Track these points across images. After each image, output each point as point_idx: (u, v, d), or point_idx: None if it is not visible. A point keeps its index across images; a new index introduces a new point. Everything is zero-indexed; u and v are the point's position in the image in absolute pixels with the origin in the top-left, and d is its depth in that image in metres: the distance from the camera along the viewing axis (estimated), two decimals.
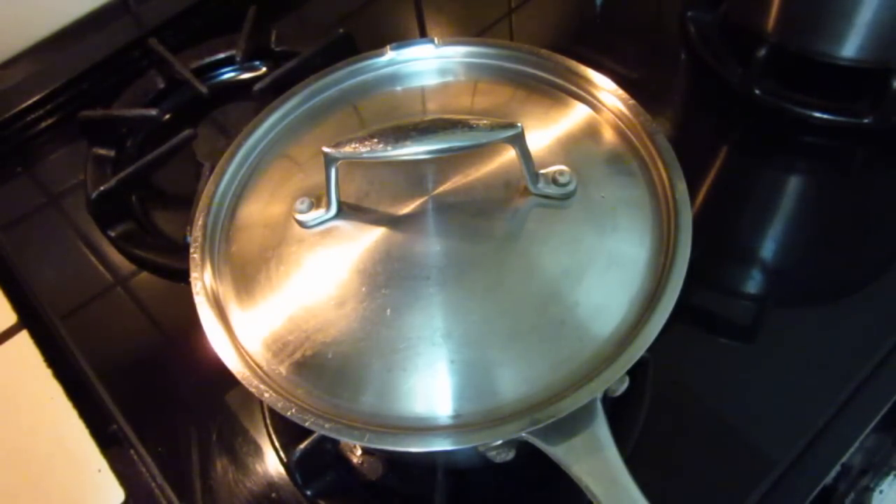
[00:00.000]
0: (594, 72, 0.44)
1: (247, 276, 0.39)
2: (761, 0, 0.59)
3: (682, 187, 0.38)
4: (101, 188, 0.59)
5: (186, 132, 0.62)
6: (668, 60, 0.67)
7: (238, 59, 0.69)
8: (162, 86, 0.69)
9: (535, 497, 0.46)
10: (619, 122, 0.42)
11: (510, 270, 0.37)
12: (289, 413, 0.34)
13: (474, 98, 0.45)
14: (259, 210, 0.42)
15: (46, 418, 0.52)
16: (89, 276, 0.59)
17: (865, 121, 0.57)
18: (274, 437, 0.49)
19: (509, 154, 0.38)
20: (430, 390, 0.35)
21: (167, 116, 0.68)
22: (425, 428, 0.34)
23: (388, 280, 0.37)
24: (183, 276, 0.40)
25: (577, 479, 0.33)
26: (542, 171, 0.38)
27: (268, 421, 0.49)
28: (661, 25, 0.70)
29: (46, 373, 0.53)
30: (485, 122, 0.36)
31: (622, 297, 0.36)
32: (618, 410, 0.45)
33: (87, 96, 0.70)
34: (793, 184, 0.58)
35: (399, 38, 0.47)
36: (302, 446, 0.45)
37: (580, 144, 0.42)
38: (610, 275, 0.37)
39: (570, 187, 0.38)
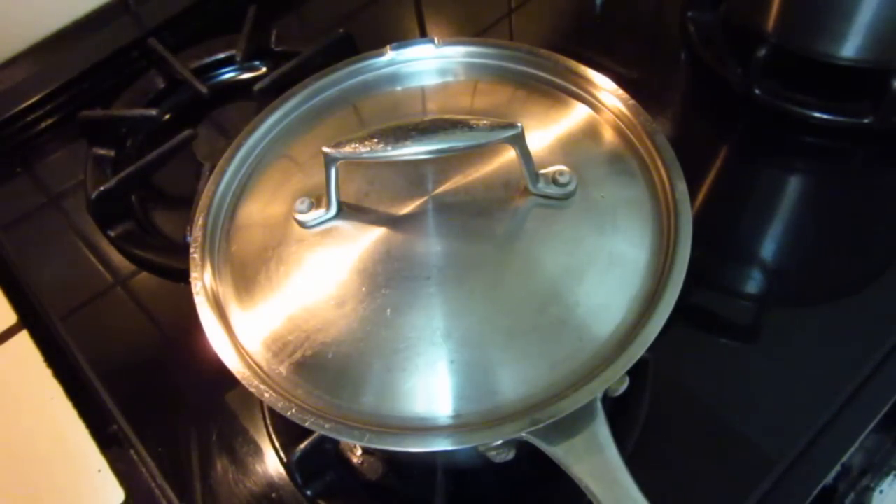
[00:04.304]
0: (594, 72, 0.44)
1: (247, 276, 0.39)
2: (761, 0, 0.59)
3: (682, 187, 0.38)
4: (101, 188, 0.59)
5: (186, 132, 0.62)
6: (668, 60, 0.67)
7: (238, 59, 0.69)
8: (162, 86, 0.69)
9: (535, 497, 0.46)
10: (619, 122, 0.42)
11: (510, 270, 0.37)
12: (289, 413, 0.34)
13: (474, 98, 0.45)
14: (259, 210, 0.42)
15: (46, 418, 0.51)
16: (89, 276, 0.59)
17: (865, 121, 0.57)
18: (274, 437, 0.49)
19: (509, 154, 0.38)
20: (430, 390, 0.35)
21: (167, 116, 0.68)
22: (425, 428, 0.34)
23: (388, 280, 0.37)
24: (183, 276, 0.40)
25: (578, 480, 0.33)
26: (542, 171, 0.38)
27: (268, 421, 0.49)
28: (661, 25, 0.70)
29: (46, 373, 0.53)
30: (485, 122, 0.36)
31: (622, 297, 0.36)
32: (618, 410, 0.45)
33: (87, 96, 0.70)
34: (793, 184, 0.58)
35: (399, 38, 0.47)
36: (302, 446, 0.46)
37: (580, 144, 0.42)
38: (610, 275, 0.37)
39: (570, 187, 0.38)
